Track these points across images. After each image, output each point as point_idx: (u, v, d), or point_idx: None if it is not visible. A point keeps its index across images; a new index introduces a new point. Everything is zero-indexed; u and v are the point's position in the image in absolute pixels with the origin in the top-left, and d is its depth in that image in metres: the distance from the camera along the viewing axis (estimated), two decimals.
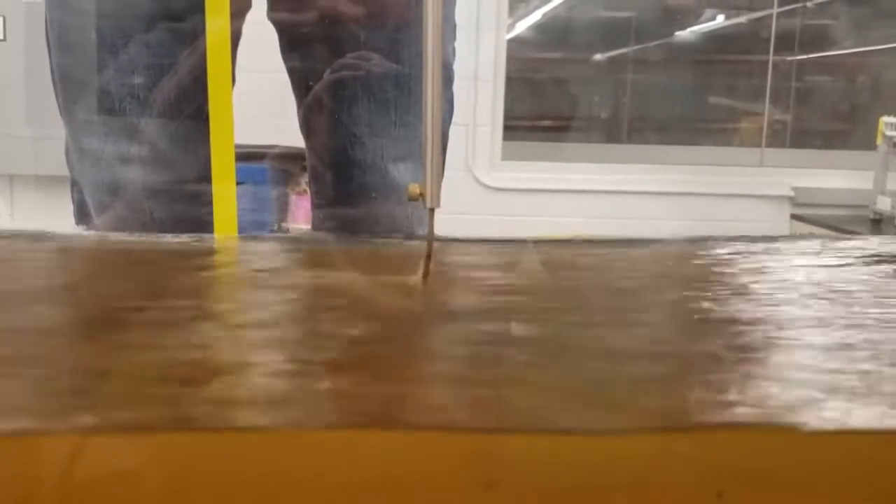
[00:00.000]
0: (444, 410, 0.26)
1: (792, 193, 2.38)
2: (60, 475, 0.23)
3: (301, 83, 0.77)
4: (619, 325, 0.37)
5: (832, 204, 2.34)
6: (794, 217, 2.37)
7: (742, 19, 2.62)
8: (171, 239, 0.53)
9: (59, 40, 0.74)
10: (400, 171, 0.76)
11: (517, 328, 0.35)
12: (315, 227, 0.80)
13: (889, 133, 2.19)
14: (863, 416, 0.26)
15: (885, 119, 2.20)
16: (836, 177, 2.41)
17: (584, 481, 0.24)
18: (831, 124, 2.71)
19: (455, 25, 0.81)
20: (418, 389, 0.28)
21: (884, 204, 2.20)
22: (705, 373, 0.30)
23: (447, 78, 0.78)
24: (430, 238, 0.42)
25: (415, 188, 0.42)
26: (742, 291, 0.42)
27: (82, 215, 0.77)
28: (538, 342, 0.34)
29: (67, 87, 0.74)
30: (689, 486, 0.25)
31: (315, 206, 0.80)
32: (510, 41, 2.40)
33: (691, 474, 0.25)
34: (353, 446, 0.24)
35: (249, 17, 0.76)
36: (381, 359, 0.31)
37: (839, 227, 2.16)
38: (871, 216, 2.23)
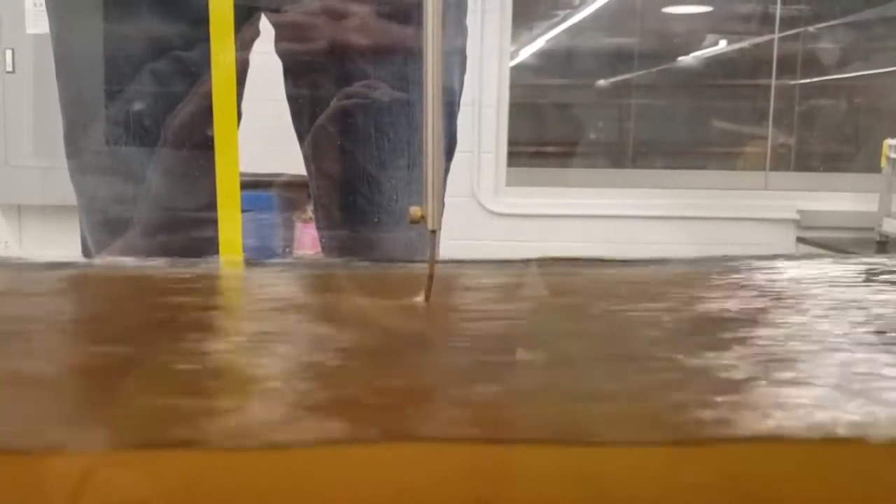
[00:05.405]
0: (444, 425, 0.26)
1: (797, 216, 2.38)
2: (69, 494, 0.24)
3: (305, 112, 0.78)
4: (618, 342, 0.37)
5: (837, 227, 2.34)
6: (799, 240, 2.37)
7: (744, 44, 2.64)
8: (175, 265, 0.53)
9: (64, 71, 0.74)
10: (404, 196, 0.77)
11: (518, 346, 0.35)
12: (324, 250, 0.81)
13: (893, 155, 2.19)
14: (871, 430, 0.26)
15: (889, 141, 2.21)
16: (840, 199, 2.41)
17: (584, 497, 0.24)
18: (835, 147, 2.71)
19: (466, 58, 0.81)
20: (416, 407, 0.28)
21: (890, 226, 2.19)
22: (709, 387, 0.30)
23: (450, 111, 0.78)
24: (432, 260, 0.42)
25: (417, 211, 0.42)
26: (753, 305, 0.42)
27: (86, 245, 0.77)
28: (539, 358, 0.34)
29: (72, 117, 0.75)
30: (696, 501, 0.25)
31: (319, 228, 0.80)
32: (514, 68, 2.41)
33: (698, 489, 0.25)
34: (349, 463, 0.24)
35: (257, 46, 0.76)
36: (379, 376, 0.31)
37: (845, 249, 2.16)
38: (877, 238, 2.23)
